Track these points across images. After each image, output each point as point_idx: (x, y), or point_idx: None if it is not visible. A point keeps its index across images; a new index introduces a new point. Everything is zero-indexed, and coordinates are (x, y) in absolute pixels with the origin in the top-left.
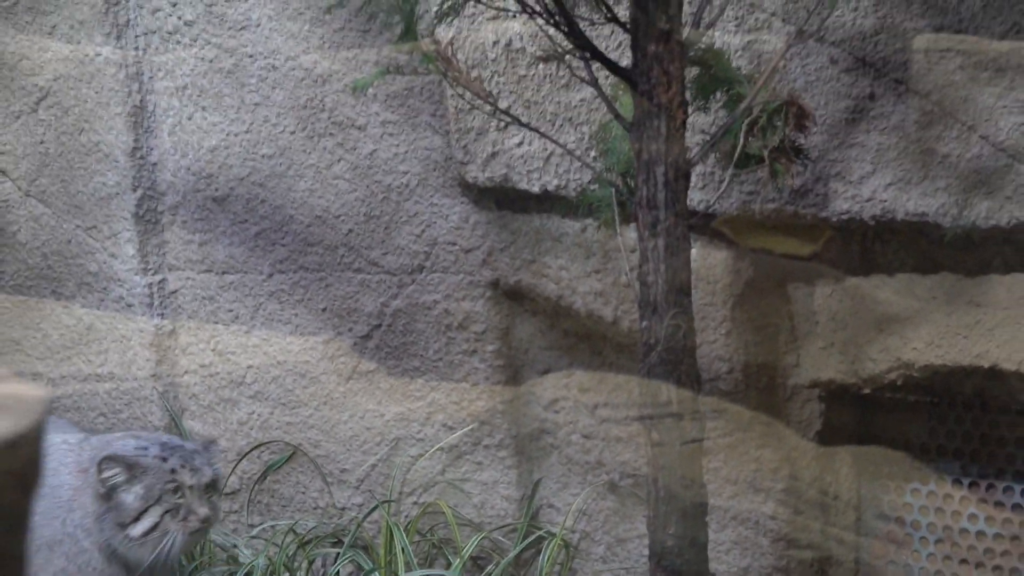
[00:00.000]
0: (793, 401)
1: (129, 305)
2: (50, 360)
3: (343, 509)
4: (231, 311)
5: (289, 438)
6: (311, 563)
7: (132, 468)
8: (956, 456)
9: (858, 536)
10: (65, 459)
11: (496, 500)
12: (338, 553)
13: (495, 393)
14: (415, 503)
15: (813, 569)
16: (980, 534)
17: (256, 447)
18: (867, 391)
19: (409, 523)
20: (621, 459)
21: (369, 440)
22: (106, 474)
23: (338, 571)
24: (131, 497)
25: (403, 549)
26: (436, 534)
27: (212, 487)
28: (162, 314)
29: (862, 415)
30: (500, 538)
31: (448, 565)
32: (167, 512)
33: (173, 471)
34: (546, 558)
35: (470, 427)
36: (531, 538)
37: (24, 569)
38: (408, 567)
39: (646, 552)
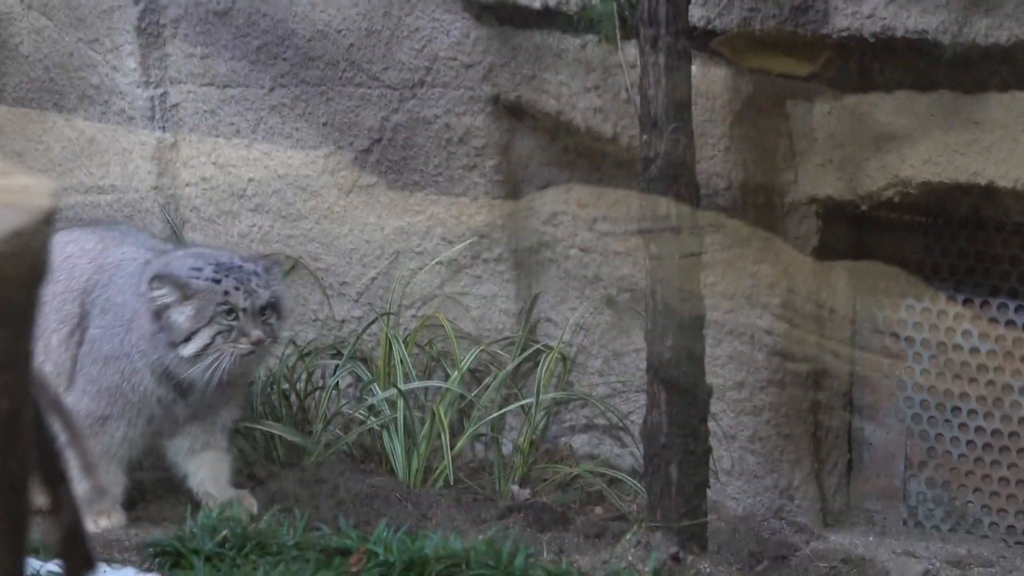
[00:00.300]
0: (791, 217)
1: (131, 118)
2: (52, 172)
3: (343, 321)
4: (232, 124)
5: (289, 251)
6: (310, 374)
7: (183, 288)
8: (951, 273)
9: (853, 350)
10: (131, 278)
11: (495, 314)
12: (337, 364)
13: (494, 207)
14: (414, 316)
15: (807, 382)
16: (974, 350)
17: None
18: (864, 208)
19: (408, 335)
20: (619, 273)
21: (369, 253)
22: (156, 293)
23: (337, 382)
24: (182, 318)
25: (402, 361)
26: (435, 347)
27: (270, 309)
28: (163, 127)
29: (859, 233)
30: (498, 351)
31: (446, 377)
32: (219, 333)
33: (226, 292)
34: (543, 371)
35: (469, 241)
36: (529, 351)
37: (30, 367)
38: (407, 378)
39: (642, 366)
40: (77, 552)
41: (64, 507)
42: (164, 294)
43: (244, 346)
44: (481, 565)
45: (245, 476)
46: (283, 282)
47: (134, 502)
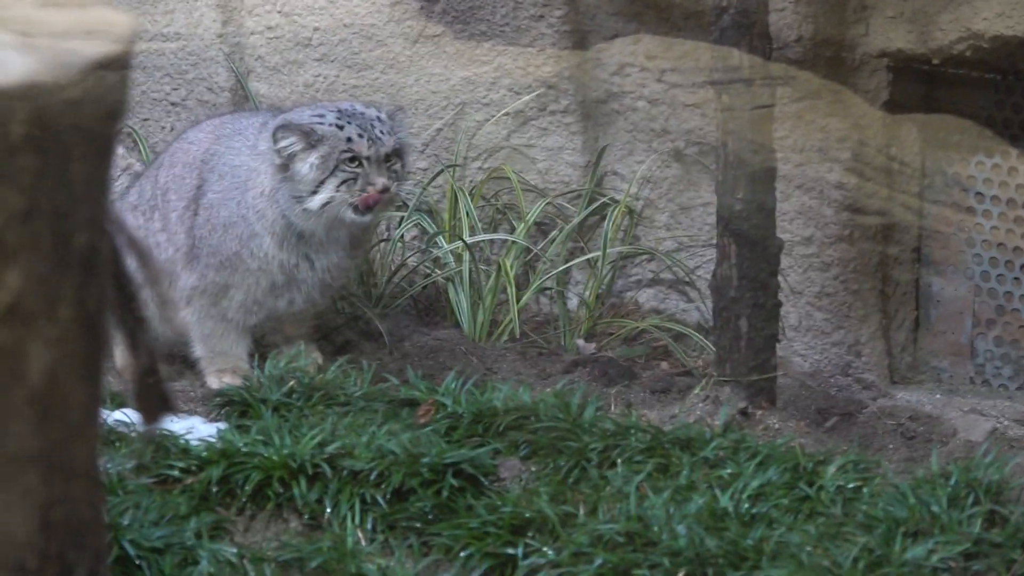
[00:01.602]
0: (861, 71)
1: None
2: None
3: (409, 173)
4: None
5: (357, 100)
6: (376, 226)
7: (308, 136)
8: (1022, 129)
9: (922, 204)
10: (246, 141)
11: (561, 166)
12: (402, 216)
13: (562, 58)
14: (480, 168)
15: (876, 237)
16: None
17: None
18: (935, 62)
19: (474, 188)
20: (687, 126)
21: (435, 104)
22: (282, 143)
23: (402, 234)
24: (307, 167)
25: (467, 213)
26: (500, 199)
27: (395, 156)
28: None
29: (929, 87)
30: (564, 204)
31: (512, 230)
32: (344, 183)
33: (350, 139)
34: (610, 224)
35: (536, 92)
36: (595, 205)
37: (108, 203)
38: (472, 231)
39: (710, 221)
40: (154, 394)
41: (141, 349)
42: (291, 142)
43: (371, 195)
44: (550, 417)
45: (313, 328)
46: (406, 129)
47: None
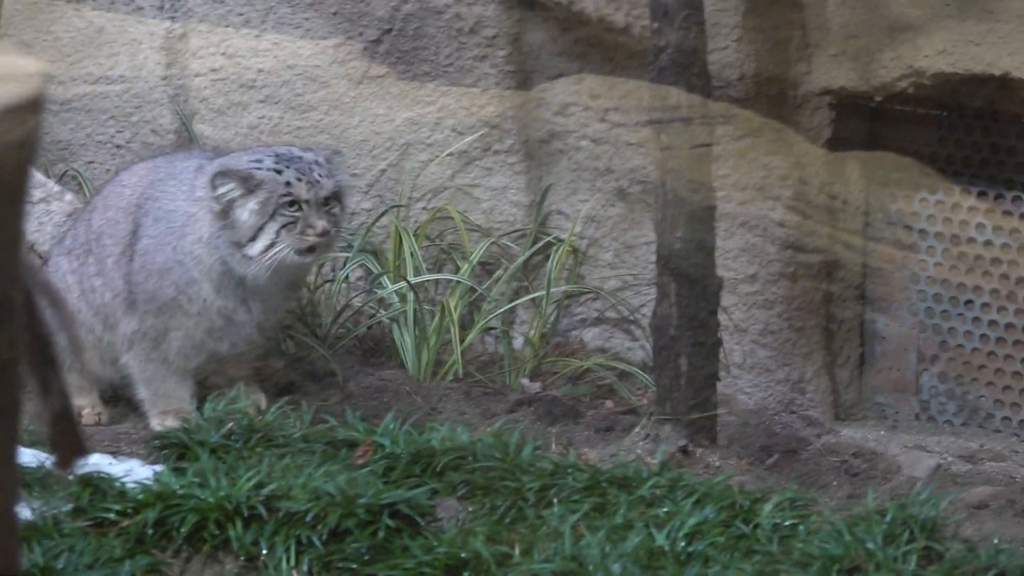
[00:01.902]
0: (804, 109)
1: (140, 8)
2: (61, 63)
3: (353, 214)
4: (241, 15)
5: (300, 142)
6: (320, 267)
7: (247, 181)
8: (965, 165)
9: (866, 241)
10: (181, 185)
11: (505, 206)
12: (347, 257)
13: (505, 98)
14: (424, 208)
15: (820, 275)
16: (987, 243)
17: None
18: (878, 99)
19: (418, 228)
20: (631, 165)
21: (379, 145)
22: (221, 190)
23: (347, 275)
24: (246, 213)
25: (412, 253)
26: (445, 239)
27: (334, 199)
28: (172, 17)
29: (872, 125)
30: (509, 244)
31: (457, 270)
32: (284, 227)
33: (288, 183)
34: (554, 263)
35: (480, 132)
36: (540, 244)
37: (21, 244)
38: (417, 271)
39: (654, 259)
40: (67, 438)
41: (54, 393)
42: (229, 189)
43: (310, 238)
44: (488, 457)
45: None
46: (344, 172)
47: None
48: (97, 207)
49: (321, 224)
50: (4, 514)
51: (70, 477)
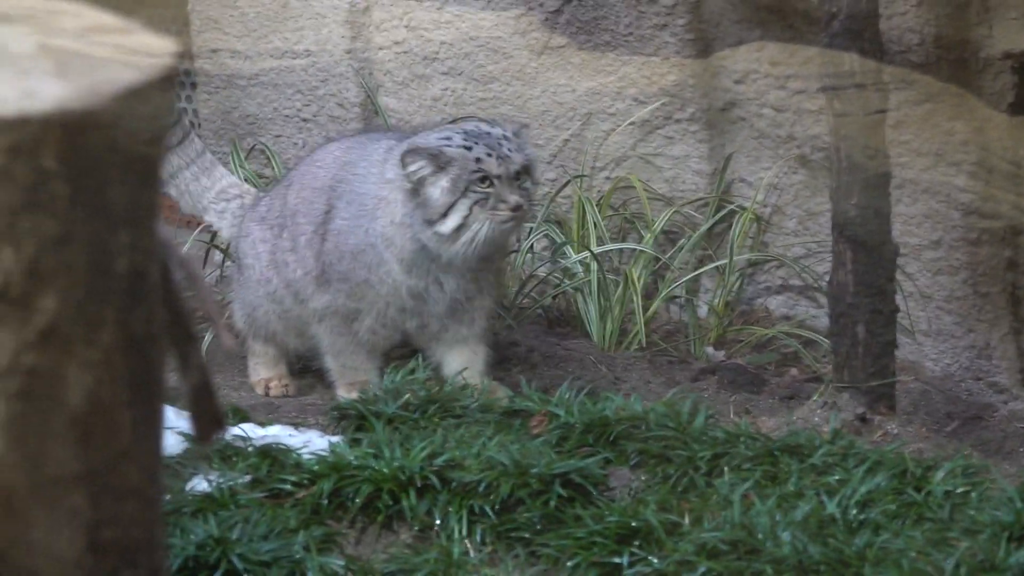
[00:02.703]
0: (985, 73)
1: None
2: (247, 38)
3: (538, 187)
4: None
5: (482, 114)
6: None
7: (436, 159)
8: None
9: None
10: (372, 168)
11: (687, 174)
12: (531, 228)
13: (686, 67)
14: (607, 178)
15: (1003, 240)
16: None
17: (450, 123)
18: None
19: (601, 198)
20: (812, 132)
21: (561, 115)
22: (411, 168)
23: (531, 245)
24: (437, 191)
25: (595, 223)
26: (628, 208)
27: (524, 173)
28: None
29: None
30: (692, 212)
31: (640, 239)
32: (476, 203)
33: (479, 160)
34: (737, 232)
35: (661, 101)
36: (722, 212)
37: (156, 219)
38: (600, 241)
39: None
40: (207, 412)
41: (193, 367)
42: (420, 166)
43: (503, 213)
44: (661, 426)
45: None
46: (532, 144)
47: None
48: (293, 184)
49: (514, 199)
50: (143, 488)
51: (210, 450)
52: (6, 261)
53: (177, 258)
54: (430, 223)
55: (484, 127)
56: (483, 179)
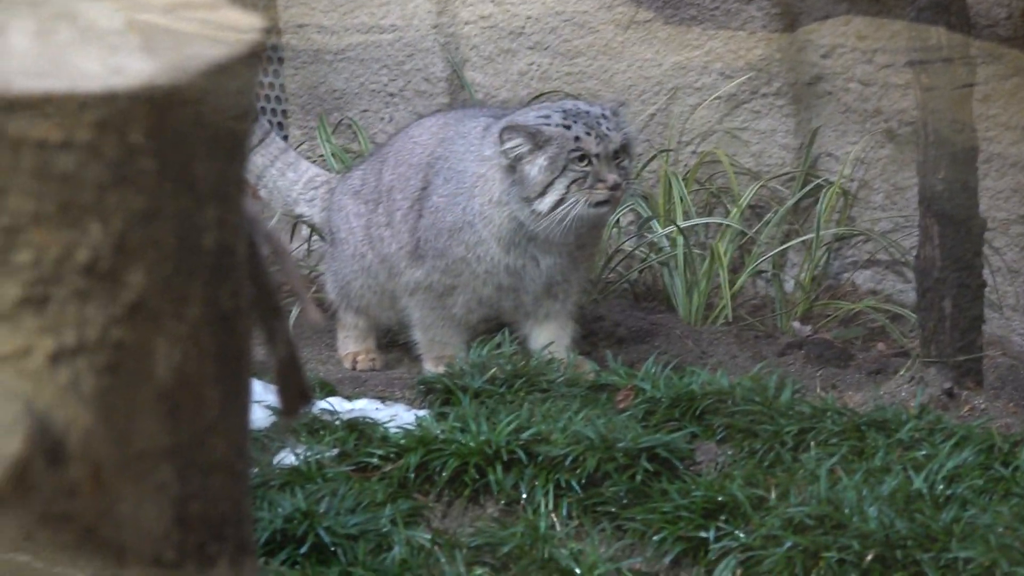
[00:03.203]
0: None
1: None
2: (334, 13)
3: (635, 165)
4: None
5: (569, 88)
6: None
7: (535, 137)
8: None
9: None
10: (470, 146)
11: (774, 149)
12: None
13: (772, 41)
14: (693, 152)
15: None
16: None
17: (536, 97)
18: None
19: (688, 172)
20: (899, 107)
21: (647, 90)
22: (508, 144)
23: (618, 219)
24: (535, 169)
25: (681, 198)
26: (714, 183)
27: (623, 152)
28: None
29: None
30: (778, 187)
31: (726, 213)
32: (574, 182)
33: (577, 138)
34: (824, 206)
35: (747, 75)
36: (809, 187)
37: (242, 194)
38: (687, 215)
39: None
40: (294, 387)
41: (279, 341)
42: (517, 144)
43: (601, 192)
44: (747, 401)
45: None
46: (629, 124)
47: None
48: (388, 160)
49: (612, 177)
50: (230, 462)
51: (297, 424)
52: (95, 236)
53: (264, 233)
54: (527, 201)
55: (583, 105)
56: (581, 158)
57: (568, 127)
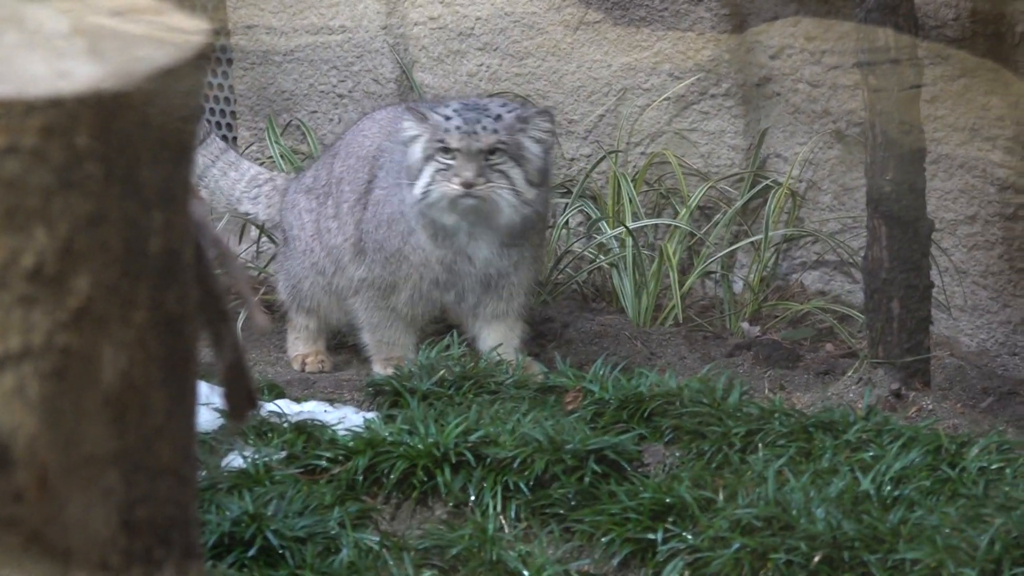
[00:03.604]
0: (1021, 47)
1: None
2: (283, 14)
3: (571, 160)
4: None
5: (518, 89)
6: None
7: (420, 119)
8: None
9: None
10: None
11: (723, 150)
12: (566, 203)
13: (721, 41)
14: (642, 153)
15: None
16: None
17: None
18: None
19: (636, 173)
20: (848, 107)
21: (596, 91)
22: (403, 124)
23: (567, 220)
24: (414, 152)
25: (631, 199)
26: (663, 184)
27: (503, 155)
28: None
29: None
30: (727, 188)
31: (675, 214)
32: (438, 171)
33: (446, 130)
34: (772, 207)
35: (696, 76)
36: (758, 188)
37: (188, 198)
38: (636, 216)
39: None
40: (240, 391)
41: (226, 345)
42: (408, 126)
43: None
44: (695, 402)
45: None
46: (546, 132)
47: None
48: (339, 153)
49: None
50: (177, 466)
51: (241, 429)
52: (40, 241)
53: (210, 237)
54: (410, 185)
55: (485, 103)
56: (446, 150)
57: (448, 118)
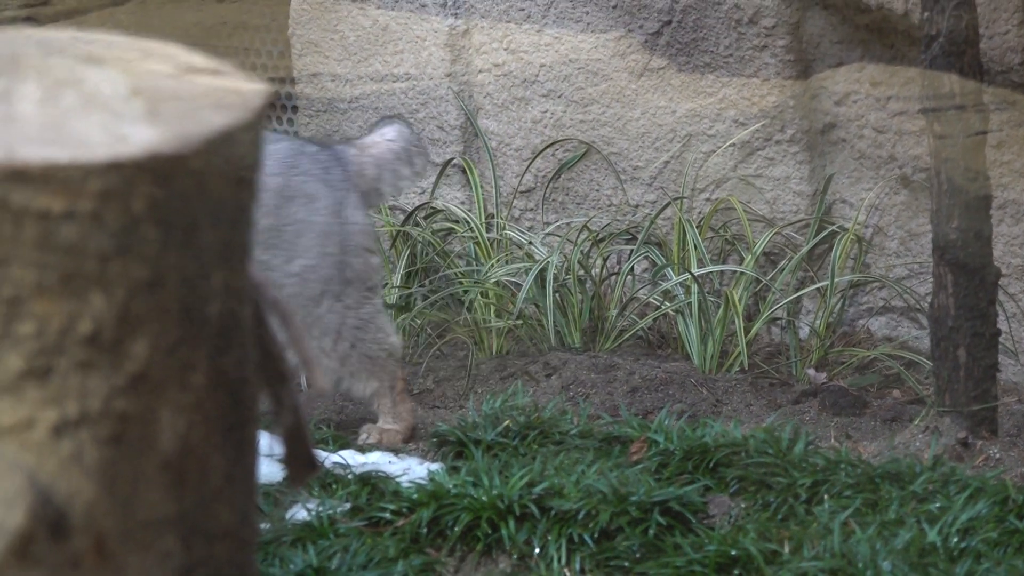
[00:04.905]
0: None
1: (423, 5)
2: (347, 62)
3: (636, 206)
4: (523, 10)
5: (582, 136)
6: (605, 260)
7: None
8: None
9: None
10: None
11: (788, 196)
12: (631, 250)
13: (786, 88)
14: (707, 199)
15: None
16: None
17: (550, 145)
18: None
19: (702, 219)
20: (914, 153)
21: (661, 137)
22: None
23: (632, 267)
24: None
25: (696, 245)
26: (728, 230)
27: None
28: (456, 14)
29: None
30: (792, 234)
31: (741, 260)
32: None
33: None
34: (838, 253)
35: (761, 123)
36: (824, 233)
37: (247, 260)
38: (701, 263)
39: None
40: (300, 454)
41: (286, 409)
42: None
43: None
44: (760, 452)
45: (542, 364)
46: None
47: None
48: None
49: None
50: (235, 528)
51: (301, 491)
52: (97, 306)
53: (270, 299)
54: None
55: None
56: None
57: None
